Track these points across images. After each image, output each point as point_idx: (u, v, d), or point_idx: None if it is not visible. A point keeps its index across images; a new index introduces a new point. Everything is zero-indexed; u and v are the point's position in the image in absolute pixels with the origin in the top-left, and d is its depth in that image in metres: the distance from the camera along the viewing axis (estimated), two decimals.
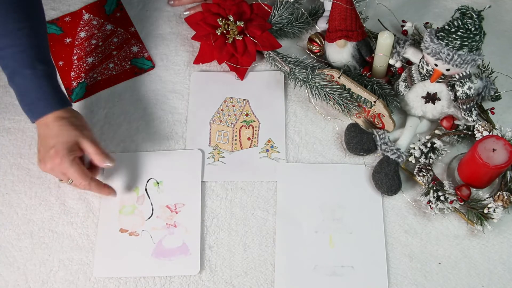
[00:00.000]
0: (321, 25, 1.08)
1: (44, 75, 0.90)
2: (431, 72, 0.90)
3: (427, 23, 1.05)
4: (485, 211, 0.88)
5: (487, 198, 0.90)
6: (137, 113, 1.04)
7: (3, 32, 0.87)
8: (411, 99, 0.97)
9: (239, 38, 1.02)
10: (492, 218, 0.88)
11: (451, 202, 0.88)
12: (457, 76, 0.88)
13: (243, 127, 1.01)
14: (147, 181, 0.96)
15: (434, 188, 0.89)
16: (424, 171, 0.92)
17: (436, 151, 0.92)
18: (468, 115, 0.92)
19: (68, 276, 0.89)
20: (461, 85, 0.89)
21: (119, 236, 0.92)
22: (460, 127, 0.96)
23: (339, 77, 0.97)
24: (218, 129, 1.01)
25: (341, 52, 1.00)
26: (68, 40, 1.11)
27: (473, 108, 0.91)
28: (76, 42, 1.11)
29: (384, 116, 0.96)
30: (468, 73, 0.88)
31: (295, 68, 1.01)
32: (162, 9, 1.15)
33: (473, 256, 0.90)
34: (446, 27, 0.84)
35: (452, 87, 0.91)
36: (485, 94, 0.94)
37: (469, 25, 0.82)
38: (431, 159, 0.93)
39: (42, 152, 0.89)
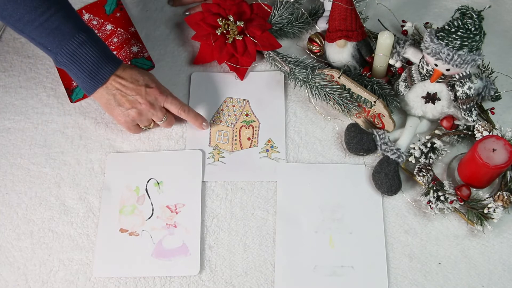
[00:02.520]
0: (321, 25, 1.07)
1: (94, 39, 0.90)
2: (431, 72, 0.90)
3: (427, 23, 1.05)
4: (485, 211, 0.88)
5: (487, 198, 0.90)
6: None
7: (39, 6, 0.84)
8: (411, 99, 0.97)
9: (239, 38, 1.02)
10: (492, 218, 0.88)
11: (451, 202, 0.88)
12: (457, 76, 0.88)
13: (243, 127, 1.01)
14: (148, 181, 0.96)
15: (434, 188, 0.89)
16: (424, 171, 0.92)
17: (436, 151, 0.92)
18: (468, 115, 0.92)
19: (68, 276, 0.89)
20: (461, 85, 0.89)
21: (119, 236, 0.92)
22: (460, 127, 0.96)
23: (339, 77, 0.97)
24: (218, 129, 1.01)
25: (341, 52, 1.00)
26: None
27: (473, 108, 0.91)
28: None
29: (384, 116, 0.96)
30: (468, 73, 0.88)
31: (295, 68, 1.01)
32: (162, 9, 1.15)
33: (473, 256, 0.90)
34: (446, 27, 0.84)
35: (452, 87, 0.91)
36: (485, 94, 0.94)
37: (469, 25, 0.82)
38: (431, 159, 0.93)
39: (128, 97, 0.92)
